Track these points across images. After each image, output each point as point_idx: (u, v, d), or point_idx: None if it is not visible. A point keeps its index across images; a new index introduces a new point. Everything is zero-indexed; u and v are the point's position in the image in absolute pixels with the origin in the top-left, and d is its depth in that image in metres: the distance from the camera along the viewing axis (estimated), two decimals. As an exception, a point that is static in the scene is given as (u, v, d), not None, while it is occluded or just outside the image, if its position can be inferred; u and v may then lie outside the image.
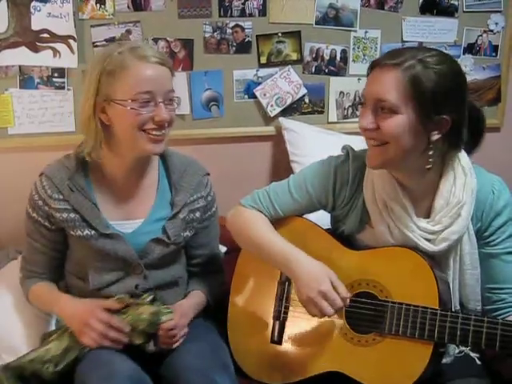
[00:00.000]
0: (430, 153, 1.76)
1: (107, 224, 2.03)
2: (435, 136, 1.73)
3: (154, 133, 1.92)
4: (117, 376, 1.80)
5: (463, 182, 1.82)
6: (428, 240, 1.84)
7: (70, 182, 2.01)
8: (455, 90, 1.73)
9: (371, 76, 1.77)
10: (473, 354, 1.90)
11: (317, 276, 1.84)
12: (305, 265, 1.87)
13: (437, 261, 1.87)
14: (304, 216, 2.07)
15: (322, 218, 2.08)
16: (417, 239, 1.84)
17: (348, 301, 1.85)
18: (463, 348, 1.88)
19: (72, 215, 2.01)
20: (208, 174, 2.20)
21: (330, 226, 2.09)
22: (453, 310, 1.84)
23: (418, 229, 1.84)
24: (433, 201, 1.85)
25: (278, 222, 2.05)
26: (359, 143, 2.02)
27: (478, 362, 1.88)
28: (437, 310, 1.75)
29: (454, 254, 1.86)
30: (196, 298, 2.15)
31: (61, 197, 2.01)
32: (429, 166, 1.78)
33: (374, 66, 1.76)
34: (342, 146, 2.01)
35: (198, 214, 2.14)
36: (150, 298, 2.01)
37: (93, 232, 2.00)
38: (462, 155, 1.85)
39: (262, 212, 2.04)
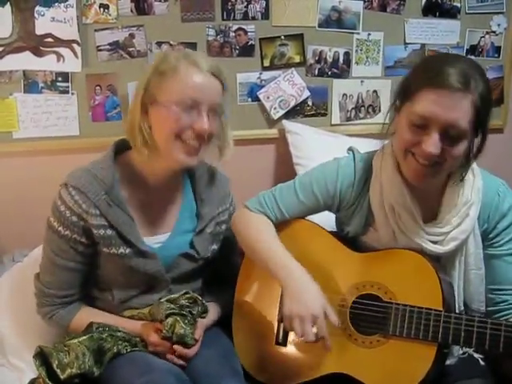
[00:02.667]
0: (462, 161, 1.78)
1: (142, 240, 1.97)
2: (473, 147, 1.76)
3: (190, 142, 1.87)
4: (156, 369, 1.80)
5: (471, 182, 1.84)
6: (435, 242, 1.85)
7: (106, 197, 1.91)
8: (491, 102, 1.75)
9: (435, 97, 1.66)
10: (476, 355, 1.90)
11: (313, 298, 1.82)
12: (302, 282, 1.85)
13: (442, 262, 1.88)
14: (308, 218, 2.07)
15: (326, 220, 2.09)
16: (423, 243, 1.84)
17: (329, 342, 1.84)
18: (467, 349, 1.89)
19: (109, 232, 1.93)
20: (228, 182, 2.20)
21: (334, 228, 2.09)
22: (457, 310, 1.85)
23: (425, 234, 1.85)
24: (440, 201, 1.86)
25: (282, 224, 2.05)
26: (363, 145, 2.04)
27: (482, 362, 1.89)
28: (441, 311, 1.75)
29: (459, 255, 1.87)
30: (215, 314, 2.13)
31: (98, 212, 1.91)
32: (462, 174, 1.82)
33: (435, 87, 1.66)
34: (348, 148, 2.02)
35: (224, 227, 2.14)
36: (187, 296, 2.00)
37: (128, 250, 1.94)
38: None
39: (267, 214, 2.05)
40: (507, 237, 1.86)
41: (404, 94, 1.77)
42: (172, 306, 1.95)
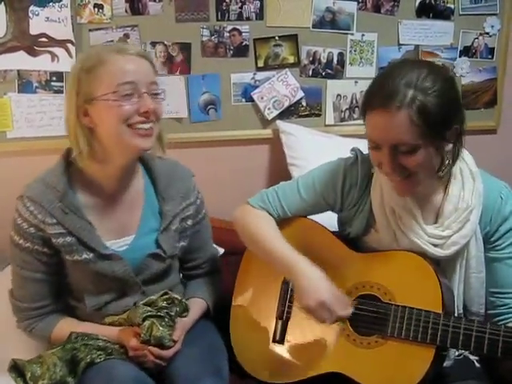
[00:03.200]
0: (446, 162, 1.78)
1: (104, 244, 1.93)
2: (449, 147, 1.75)
3: (140, 126, 1.82)
4: (115, 379, 1.78)
5: (472, 186, 1.84)
6: (436, 245, 1.84)
7: (61, 204, 1.87)
8: (456, 99, 1.73)
9: (376, 121, 1.70)
10: (472, 357, 1.91)
11: (318, 286, 1.84)
12: (307, 273, 1.87)
13: (443, 265, 1.88)
14: (310, 217, 2.07)
15: (328, 220, 2.08)
16: (425, 245, 1.84)
17: (350, 310, 1.86)
18: (463, 351, 1.89)
19: (68, 239, 1.89)
20: (193, 176, 2.14)
21: (336, 228, 2.09)
22: (456, 313, 1.85)
23: (426, 235, 1.84)
24: (441, 205, 1.86)
25: (283, 222, 2.06)
26: (357, 146, 2.03)
27: (478, 364, 1.90)
28: (440, 314, 1.75)
29: (460, 259, 1.87)
30: (198, 310, 2.11)
31: (54, 220, 1.87)
32: (442, 173, 1.80)
33: (373, 109, 1.70)
34: (351, 148, 2.01)
35: (189, 222, 2.10)
36: (165, 297, 1.98)
37: (91, 255, 1.90)
38: (469, 159, 1.86)
39: (269, 211, 2.05)
40: (509, 240, 1.86)
41: (362, 116, 1.80)
42: (149, 308, 1.93)
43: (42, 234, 1.89)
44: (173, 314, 1.96)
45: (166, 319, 1.93)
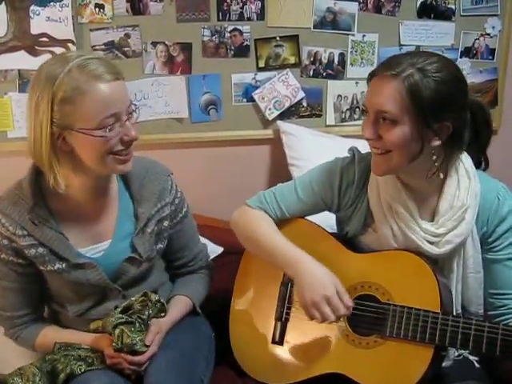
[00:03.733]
0: (434, 158, 1.77)
1: (77, 253, 1.90)
2: (436, 142, 1.74)
3: (123, 153, 1.78)
4: None
5: (467, 185, 1.83)
6: (431, 243, 1.84)
7: (30, 216, 1.84)
8: (455, 95, 1.72)
9: (371, 86, 1.76)
10: (472, 357, 1.91)
11: (322, 281, 1.84)
12: (311, 268, 1.87)
13: (440, 264, 1.88)
14: (307, 218, 2.07)
15: (325, 220, 2.09)
16: (420, 242, 1.84)
17: (351, 309, 1.85)
18: (462, 351, 1.89)
19: (40, 250, 1.86)
20: (170, 175, 2.06)
21: (333, 228, 2.10)
22: (454, 313, 1.84)
23: (421, 231, 1.84)
24: (437, 203, 1.86)
25: (281, 224, 2.05)
26: (358, 146, 2.03)
27: (477, 365, 1.90)
28: (438, 313, 1.75)
29: (457, 258, 1.87)
30: (182, 308, 2.08)
31: (25, 232, 1.85)
32: (433, 171, 1.79)
33: (374, 75, 1.75)
34: (349, 148, 2.02)
35: (166, 223, 2.03)
36: (141, 299, 1.94)
37: (64, 264, 1.87)
38: (466, 158, 1.86)
39: (267, 212, 2.05)
40: (507, 241, 1.86)
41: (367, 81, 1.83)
42: (119, 315, 1.89)
43: (15, 246, 1.87)
44: (145, 317, 1.92)
45: (137, 324, 1.89)
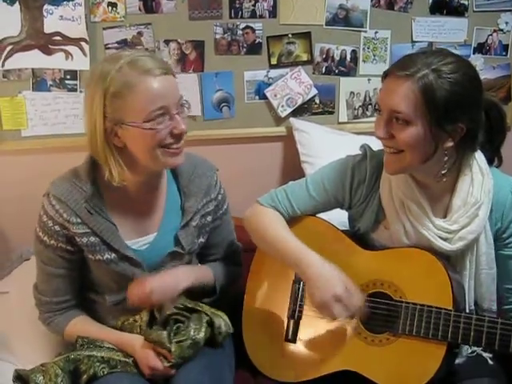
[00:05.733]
0: (445, 159, 1.77)
1: (126, 245, 1.94)
2: (449, 143, 1.74)
3: (173, 146, 1.82)
4: None
5: (481, 182, 1.83)
6: (444, 239, 1.84)
7: (87, 204, 1.89)
8: (469, 97, 1.71)
9: (385, 85, 1.76)
10: (485, 354, 1.90)
11: (332, 279, 1.84)
12: (319, 268, 1.86)
13: (453, 261, 1.88)
14: (318, 215, 2.08)
15: (336, 218, 2.09)
16: (433, 238, 1.84)
17: (362, 308, 1.86)
18: (475, 348, 1.89)
19: (92, 239, 1.91)
20: (216, 171, 2.12)
21: (344, 225, 2.10)
22: (467, 310, 1.85)
23: (434, 228, 1.84)
24: (450, 200, 1.86)
25: (292, 221, 2.06)
26: (370, 143, 2.04)
27: (491, 362, 1.89)
28: (450, 310, 1.75)
29: (470, 255, 1.87)
30: (201, 269, 2.12)
31: (79, 220, 1.89)
32: (444, 172, 1.79)
33: (388, 74, 1.75)
34: (361, 145, 2.02)
35: (209, 218, 2.09)
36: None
37: (113, 255, 1.92)
38: (479, 155, 1.85)
39: (279, 210, 2.06)
40: None
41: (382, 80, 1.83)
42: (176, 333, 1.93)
43: (67, 233, 1.91)
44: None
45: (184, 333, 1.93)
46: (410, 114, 1.68)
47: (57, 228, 1.91)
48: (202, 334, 1.92)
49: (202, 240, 2.09)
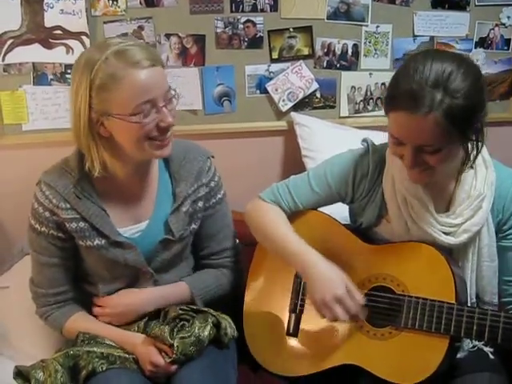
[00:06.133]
0: (472, 157, 1.77)
1: (117, 232, 1.94)
2: (470, 143, 1.74)
3: (160, 138, 1.81)
4: None
5: (484, 174, 1.83)
6: (447, 233, 1.84)
7: (75, 189, 1.89)
8: (481, 97, 1.69)
9: (402, 120, 1.67)
10: (486, 349, 1.89)
11: (333, 280, 1.84)
12: (321, 267, 1.87)
13: (455, 254, 1.88)
14: (320, 209, 2.07)
15: (337, 212, 2.09)
16: (436, 234, 1.84)
17: (361, 312, 1.86)
18: (477, 342, 1.89)
19: (82, 224, 1.91)
20: (211, 157, 2.08)
21: (346, 219, 2.10)
22: (469, 303, 1.85)
23: (438, 224, 1.84)
24: (453, 193, 1.86)
25: (295, 216, 2.06)
26: (371, 137, 2.03)
27: (492, 356, 1.88)
28: (453, 304, 1.75)
29: (472, 247, 1.87)
30: (174, 289, 2.05)
31: (68, 205, 1.90)
32: (467, 166, 1.80)
33: (397, 109, 1.68)
34: (362, 139, 2.01)
35: (200, 204, 2.04)
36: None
37: (103, 241, 1.92)
38: (482, 148, 1.85)
39: (280, 205, 2.05)
40: None
41: (384, 106, 1.77)
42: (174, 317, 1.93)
43: (56, 219, 1.91)
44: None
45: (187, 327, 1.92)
46: (440, 142, 1.66)
47: (47, 214, 1.91)
48: (206, 333, 1.90)
49: (194, 226, 2.05)
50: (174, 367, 1.88)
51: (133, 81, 1.73)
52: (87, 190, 1.91)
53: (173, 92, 1.84)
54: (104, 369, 1.84)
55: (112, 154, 1.87)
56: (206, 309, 1.99)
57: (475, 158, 1.79)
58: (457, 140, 1.68)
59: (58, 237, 1.94)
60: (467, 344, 1.89)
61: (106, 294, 2.00)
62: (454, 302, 1.76)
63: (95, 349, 1.89)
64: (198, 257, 2.17)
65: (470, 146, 1.74)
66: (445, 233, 1.84)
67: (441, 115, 1.61)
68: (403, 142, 1.71)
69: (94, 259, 1.97)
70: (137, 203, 1.99)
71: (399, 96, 1.67)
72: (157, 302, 2.01)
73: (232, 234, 2.20)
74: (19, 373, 1.87)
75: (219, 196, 2.12)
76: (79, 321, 2.01)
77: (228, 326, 1.97)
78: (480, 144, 1.76)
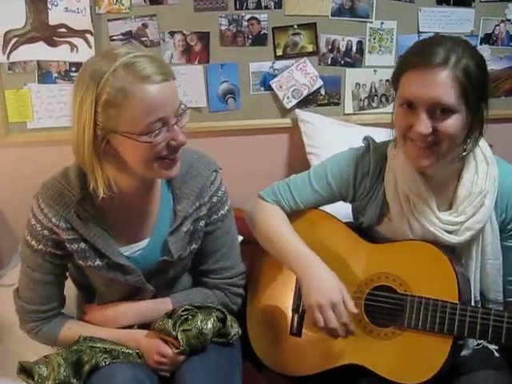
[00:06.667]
0: (468, 141, 1.76)
1: (119, 252, 1.84)
2: (476, 124, 1.74)
3: (170, 157, 1.69)
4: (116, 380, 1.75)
5: (485, 170, 1.83)
6: (450, 232, 1.84)
7: (76, 209, 1.77)
8: (487, 76, 1.73)
9: (416, 77, 1.68)
10: (491, 347, 1.89)
11: (331, 285, 1.84)
12: (320, 271, 1.87)
13: (458, 252, 1.87)
14: (322, 208, 2.07)
15: (338, 211, 2.08)
16: (439, 233, 1.83)
17: (353, 327, 1.85)
18: (481, 340, 1.88)
19: (82, 245, 1.80)
20: (216, 171, 1.93)
21: (348, 218, 2.09)
22: (473, 301, 1.84)
23: (440, 222, 1.84)
24: (455, 190, 1.85)
25: (296, 215, 2.05)
26: (375, 135, 2.03)
27: (497, 354, 1.88)
28: (456, 304, 1.74)
29: (476, 245, 1.86)
30: (150, 302, 1.97)
31: (68, 225, 1.78)
32: (464, 154, 1.78)
33: (412, 67, 1.69)
34: (364, 137, 2.01)
35: (202, 223, 1.92)
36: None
37: (104, 262, 1.82)
38: (483, 144, 1.85)
39: (281, 204, 2.05)
40: None
41: (394, 81, 1.79)
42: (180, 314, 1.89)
43: (56, 237, 1.81)
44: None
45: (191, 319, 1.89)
46: (455, 102, 1.66)
47: (45, 232, 1.81)
48: (209, 325, 1.87)
49: (194, 246, 1.93)
50: (181, 357, 1.85)
51: (144, 97, 1.59)
52: (89, 210, 1.79)
53: (183, 106, 1.70)
54: (107, 363, 1.81)
55: (116, 168, 1.73)
56: (210, 304, 1.95)
57: (474, 144, 1.79)
58: (469, 107, 1.68)
59: (56, 254, 1.84)
60: (472, 342, 1.89)
61: (103, 303, 1.96)
62: (457, 301, 1.75)
63: (98, 344, 1.87)
64: (195, 269, 2.04)
65: (472, 129, 1.74)
66: (447, 231, 1.84)
67: (460, 70, 1.64)
68: (416, 103, 1.69)
69: (94, 276, 1.90)
70: (139, 221, 1.88)
71: (414, 55, 1.71)
72: (135, 316, 1.95)
73: (234, 254, 2.03)
74: (23, 368, 1.85)
75: (222, 212, 1.96)
76: (74, 328, 1.94)
77: (233, 321, 1.95)
78: (480, 129, 1.77)
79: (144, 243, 1.89)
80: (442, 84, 1.65)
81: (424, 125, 1.68)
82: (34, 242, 1.83)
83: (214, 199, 1.92)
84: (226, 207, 1.97)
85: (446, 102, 1.66)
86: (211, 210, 1.92)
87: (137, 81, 1.58)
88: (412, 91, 1.70)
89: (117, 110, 1.59)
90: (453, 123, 1.68)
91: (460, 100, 1.66)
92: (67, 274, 1.96)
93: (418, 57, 1.69)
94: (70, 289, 2.03)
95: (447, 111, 1.67)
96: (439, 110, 1.68)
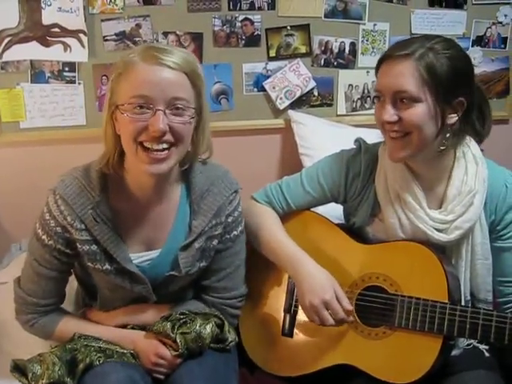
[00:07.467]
0: (447, 135, 1.78)
1: (130, 259, 1.82)
2: (453, 119, 1.76)
3: (150, 146, 1.65)
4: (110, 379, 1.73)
5: (475, 170, 1.84)
6: (440, 230, 1.85)
7: (93, 211, 1.76)
8: (466, 71, 1.76)
9: (384, 69, 1.77)
10: (482, 347, 1.90)
11: (322, 284, 1.85)
12: (311, 271, 1.88)
13: (448, 251, 1.89)
14: (313, 209, 2.08)
15: (330, 212, 2.09)
16: (429, 231, 1.84)
17: (351, 317, 1.87)
18: (472, 340, 1.89)
19: (94, 247, 1.78)
20: (237, 191, 1.92)
21: (340, 219, 2.10)
22: (463, 301, 1.85)
23: (430, 220, 1.85)
24: (445, 190, 1.86)
25: (288, 216, 2.06)
26: (368, 135, 2.04)
27: (487, 354, 1.89)
28: (446, 304, 1.75)
29: (465, 244, 1.87)
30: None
31: (83, 226, 1.76)
32: (443, 148, 1.80)
33: (385, 59, 1.77)
34: (355, 139, 2.02)
35: (215, 242, 1.90)
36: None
37: (113, 266, 1.80)
38: (473, 145, 1.87)
39: (273, 206, 2.06)
40: None
41: (376, 78, 1.84)
42: (177, 316, 1.88)
43: (68, 236, 1.79)
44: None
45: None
46: (417, 91, 1.70)
47: (58, 229, 1.78)
48: (207, 330, 1.86)
49: (203, 264, 1.90)
50: (178, 360, 1.84)
51: (137, 72, 1.64)
52: (105, 213, 1.78)
53: (181, 104, 1.66)
54: (101, 362, 1.79)
55: (125, 163, 1.78)
56: (207, 310, 1.94)
57: (456, 140, 1.82)
58: (434, 100, 1.72)
59: (65, 252, 1.82)
60: (462, 342, 1.90)
61: (103, 310, 1.94)
62: (446, 301, 1.76)
63: (93, 343, 1.87)
64: (198, 284, 1.99)
65: (447, 121, 1.76)
66: (437, 229, 1.85)
67: (421, 64, 1.70)
68: (382, 92, 1.77)
69: (100, 279, 1.87)
70: (153, 229, 1.86)
71: (388, 49, 1.82)
72: (122, 319, 1.95)
73: (238, 275, 2.00)
74: (16, 366, 1.83)
75: (234, 233, 1.94)
76: (71, 322, 1.94)
77: (230, 328, 1.94)
78: (462, 126, 1.80)
79: (155, 254, 1.87)
80: (403, 73, 1.71)
81: (388, 113, 1.75)
82: (44, 237, 1.80)
83: (230, 219, 1.91)
84: (240, 228, 1.95)
85: (407, 89, 1.71)
86: (225, 229, 1.91)
87: (141, 59, 1.65)
88: (379, 82, 1.80)
89: (120, 80, 1.67)
90: (416, 112, 1.72)
91: (422, 89, 1.70)
92: (72, 270, 1.94)
93: (389, 51, 1.78)
94: (68, 284, 2.01)
95: (410, 100, 1.72)
96: (403, 100, 1.72)
